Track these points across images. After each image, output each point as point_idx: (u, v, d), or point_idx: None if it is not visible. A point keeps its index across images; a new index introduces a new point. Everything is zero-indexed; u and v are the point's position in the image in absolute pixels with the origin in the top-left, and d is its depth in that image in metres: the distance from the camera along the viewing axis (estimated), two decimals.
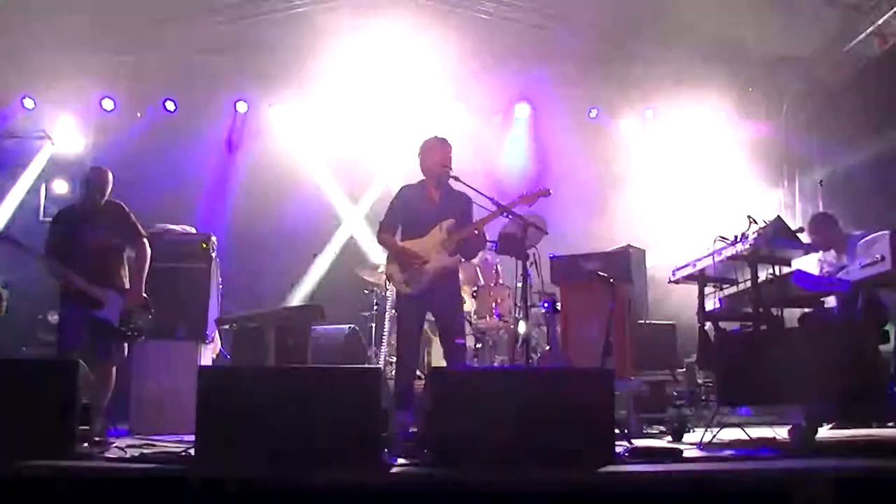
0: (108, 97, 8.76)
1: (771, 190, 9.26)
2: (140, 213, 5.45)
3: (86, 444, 4.27)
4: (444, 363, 6.60)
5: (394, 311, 7.34)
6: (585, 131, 9.32)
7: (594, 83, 9.23)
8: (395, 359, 5.75)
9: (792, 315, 7.22)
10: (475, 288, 6.92)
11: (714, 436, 4.41)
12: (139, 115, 8.95)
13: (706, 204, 9.33)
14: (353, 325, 7.42)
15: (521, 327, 5.57)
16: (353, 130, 9.26)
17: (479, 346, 6.83)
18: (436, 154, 4.89)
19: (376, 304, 7.44)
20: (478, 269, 7.12)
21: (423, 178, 5.01)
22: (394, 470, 3.10)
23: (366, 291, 7.73)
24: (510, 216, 4.91)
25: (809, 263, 5.63)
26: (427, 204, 4.91)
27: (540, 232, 5.28)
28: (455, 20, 8.57)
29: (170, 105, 8.87)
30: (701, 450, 4.08)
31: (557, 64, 9.05)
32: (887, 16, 7.47)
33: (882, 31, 7.63)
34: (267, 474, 2.86)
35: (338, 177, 9.42)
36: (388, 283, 7.18)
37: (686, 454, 3.64)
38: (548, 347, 6.53)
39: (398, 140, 8.97)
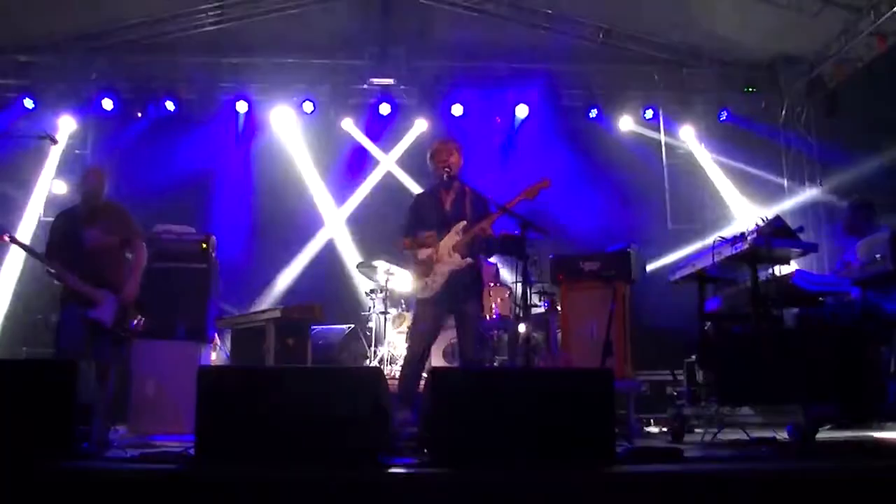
0: (108, 97, 8.76)
1: (770, 190, 9.27)
2: (139, 213, 5.45)
3: (86, 444, 4.28)
4: (444, 363, 6.63)
5: (396, 311, 7.37)
6: (586, 131, 9.32)
7: (595, 83, 9.24)
8: (401, 359, 5.76)
9: (792, 315, 7.23)
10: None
11: (714, 436, 4.41)
12: (139, 115, 8.94)
13: (706, 204, 9.35)
14: (353, 325, 7.43)
15: (521, 327, 5.57)
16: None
17: (478, 346, 6.83)
18: (442, 155, 4.88)
19: (376, 304, 7.44)
20: (494, 269, 7.11)
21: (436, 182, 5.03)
22: (394, 470, 3.10)
23: (366, 291, 7.74)
24: (511, 216, 4.88)
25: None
26: (439, 206, 4.92)
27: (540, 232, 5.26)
28: (456, 20, 8.59)
29: (169, 105, 8.86)
30: (701, 450, 4.08)
31: (557, 64, 9.06)
32: (887, 16, 7.47)
33: (882, 30, 7.64)
34: (267, 474, 2.86)
35: (337, 177, 9.43)
36: (387, 283, 7.23)
37: (686, 454, 3.64)
38: (548, 347, 6.53)
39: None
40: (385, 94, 9.05)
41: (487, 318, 6.69)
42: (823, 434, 4.39)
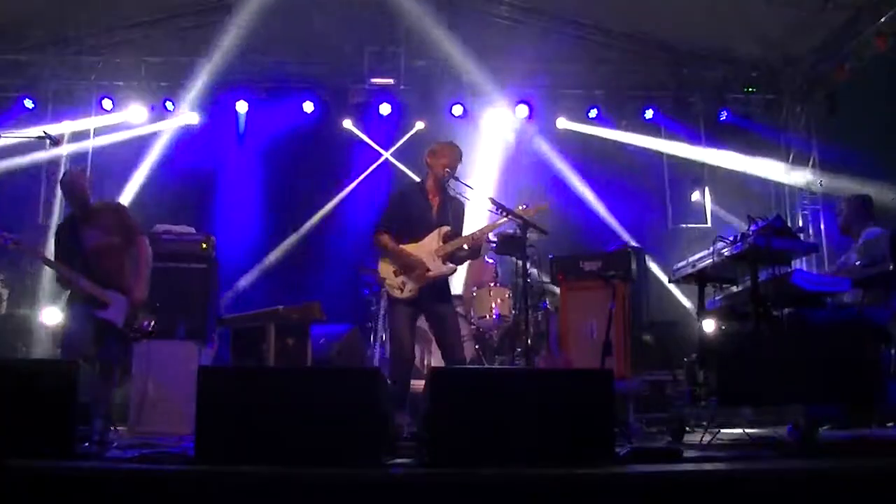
0: (108, 97, 8.76)
1: (770, 190, 9.27)
2: (139, 213, 5.46)
3: (86, 444, 4.28)
4: (444, 363, 6.63)
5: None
6: (586, 130, 9.32)
7: (594, 83, 9.24)
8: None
9: (792, 315, 7.22)
10: (475, 288, 6.92)
11: (714, 436, 4.41)
12: (140, 115, 8.93)
13: (706, 203, 9.35)
14: (353, 325, 7.42)
15: (521, 327, 5.57)
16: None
17: (478, 346, 6.83)
18: (444, 158, 4.85)
19: (376, 304, 7.43)
20: (494, 269, 7.10)
21: (422, 179, 5.01)
22: (393, 470, 3.10)
23: (366, 292, 7.74)
24: (511, 217, 4.88)
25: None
26: (425, 208, 4.88)
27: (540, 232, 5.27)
28: (456, 20, 8.59)
29: (169, 105, 8.86)
30: (701, 450, 4.08)
31: (557, 64, 9.06)
32: (887, 16, 7.47)
33: (882, 31, 7.64)
34: (267, 474, 2.86)
35: (338, 177, 9.43)
36: (380, 283, 7.22)
37: (686, 454, 3.64)
38: (547, 347, 6.53)
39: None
40: (385, 94, 9.05)
41: (487, 317, 6.69)
42: (823, 434, 4.39)
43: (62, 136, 8.55)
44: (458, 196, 4.93)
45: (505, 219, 4.70)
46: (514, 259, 6.48)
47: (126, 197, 8.52)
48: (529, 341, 5.20)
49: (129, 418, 5.62)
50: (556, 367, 5.85)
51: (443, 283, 4.84)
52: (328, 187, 9.36)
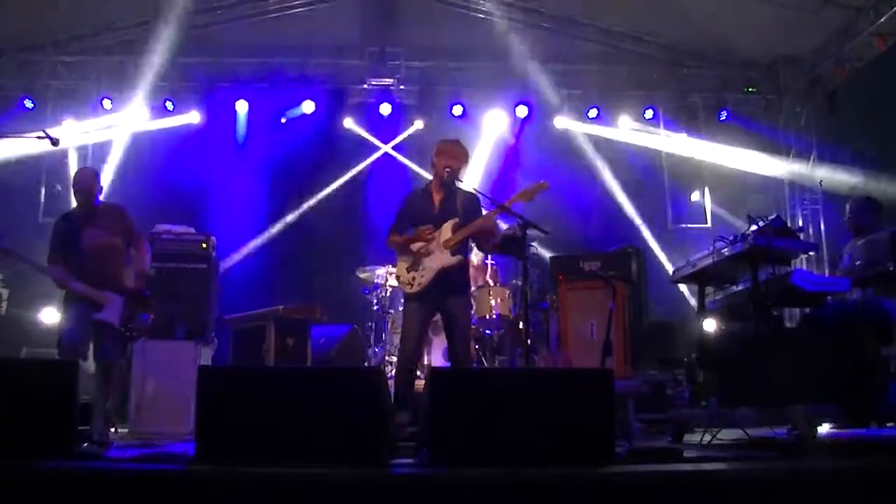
0: (108, 97, 8.76)
1: (770, 190, 9.27)
2: (140, 213, 5.45)
3: (86, 444, 4.28)
4: (444, 363, 6.63)
5: (396, 311, 7.36)
6: (586, 131, 9.32)
7: (595, 83, 9.24)
8: (395, 358, 5.74)
9: (792, 315, 7.23)
10: (475, 288, 6.92)
11: (714, 436, 4.41)
12: (139, 115, 8.94)
13: (706, 203, 9.35)
14: (353, 325, 7.42)
15: (521, 327, 5.57)
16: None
17: (478, 346, 6.83)
18: (445, 156, 4.86)
19: (376, 304, 7.44)
20: (493, 269, 7.10)
21: (432, 179, 5.02)
22: (393, 470, 3.10)
23: (366, 292, 7.74)
24: (510, 215, 4.88)
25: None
26: (429, 206, 4.89)
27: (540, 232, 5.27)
28: (455, 20, 8.60)
29: (169, 105, 8.87)
30: (701, 450, 4.08)
31: (557, 64, 9.07)
32: (887, 16, 7.47)
33: (882, 31, 7.64)
34: (267, 474, 2.85)
35: (337, 177, 9.43)
36: (387, 283, 7.23)
37: (686, 454, 3.63)
38: (547, 347, 6.53)
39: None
40: (385, 94, 9.06)
41: (487, 317, 6.69)
42: (823, 434, 4.39)
43: (61, 136, 8.57)
44: (468, 189, 4.93)
45: (505, 206, 4.67)
46: (514, 258, 6.48)
47: (125, 197, 8.51)
48: (529, 341, 5.19)
49: (129, 418, 5.62)
50: (556, 367, 5.84)
51: (456, 275, 4.82)
52: (328, 187, 9.36)
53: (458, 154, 4.87)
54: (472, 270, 7.03)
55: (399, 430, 4.20)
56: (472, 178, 5.03)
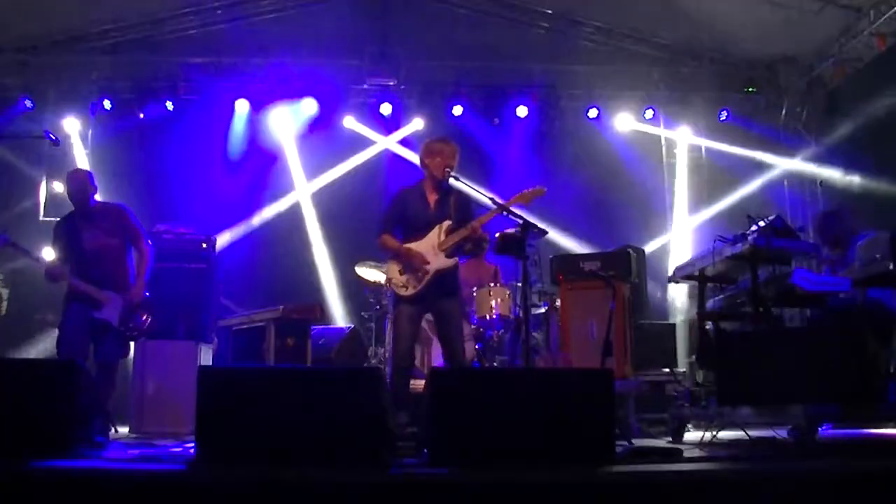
0: (108, 97, 8.76)
1: (770, 190, 9.27)
2: (139, 213, 5.45)
3: (86, 445, 4.28)
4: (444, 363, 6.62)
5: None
6: (586, 131, 9.32)
7: (594, 83, 9.25)
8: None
9: (792, 315, 7.22)
10: (475, 288, 6.91)
11: (714, 436, 4.41)
12: (140, 115, 8.94)
13: (705, 203, 9.36)
14: (353, 325, 7.42)
15: (521, 327, 5.57)
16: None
17: (478, 346, 6.82)
18: (439, 155, 4.84)
19: (376, 304, 7.43)
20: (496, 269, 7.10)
21: (422, 178, 5.00)
22: (393, 470, 3.10)
23: (366, 292, 7.74)
24: (509, 215, 4.88)
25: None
26: (424, 206, 4.86)
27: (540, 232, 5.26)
28: (455, 20, 8.59)
29: (169, 105, 8.86)
30: (701, 450, 4.08)
31: (557, 64, 9.07)
32: (887, 16, 7.47)
33: (882, 31, 7.64)
34: (267, 474, 2.85)
35: (337, 177, 9.42)
36: (387, 283, 7.22)
37: (686, 454, 3.64)
38: (547, 347, 6.53)
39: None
40: (385, 94, 9.06)
41: (487, 317, 6.68)
42: (823, 434, 4.39)
43: (62, 136, 8.58)
44: (461, 189, 4.92)
45: (498, 209, 4.66)
46: (514, 259, 6.47)
47: (126, 196, 8.51)
48: (529, 341, 5.19)
49: (129, 418, 5.63)
50: (556, 367, 5.85)
51: (450, 277, 4.81)
52: (329, 187, 9.35)
53: (452, 152, 4.86)
54: (472, 270, 7.05)
55: (399, 430, 4.20)
56: (472, 179, 4.99)
